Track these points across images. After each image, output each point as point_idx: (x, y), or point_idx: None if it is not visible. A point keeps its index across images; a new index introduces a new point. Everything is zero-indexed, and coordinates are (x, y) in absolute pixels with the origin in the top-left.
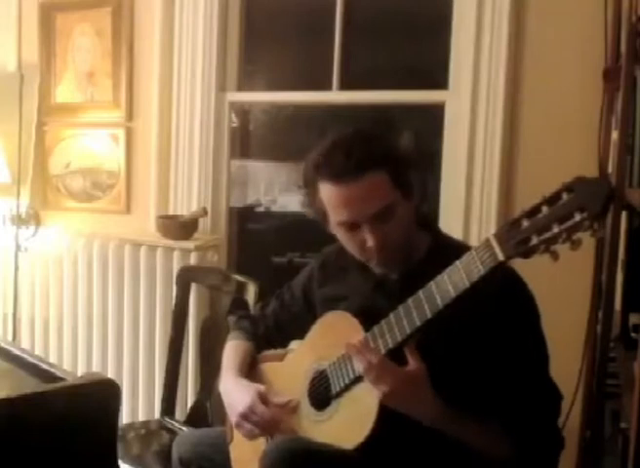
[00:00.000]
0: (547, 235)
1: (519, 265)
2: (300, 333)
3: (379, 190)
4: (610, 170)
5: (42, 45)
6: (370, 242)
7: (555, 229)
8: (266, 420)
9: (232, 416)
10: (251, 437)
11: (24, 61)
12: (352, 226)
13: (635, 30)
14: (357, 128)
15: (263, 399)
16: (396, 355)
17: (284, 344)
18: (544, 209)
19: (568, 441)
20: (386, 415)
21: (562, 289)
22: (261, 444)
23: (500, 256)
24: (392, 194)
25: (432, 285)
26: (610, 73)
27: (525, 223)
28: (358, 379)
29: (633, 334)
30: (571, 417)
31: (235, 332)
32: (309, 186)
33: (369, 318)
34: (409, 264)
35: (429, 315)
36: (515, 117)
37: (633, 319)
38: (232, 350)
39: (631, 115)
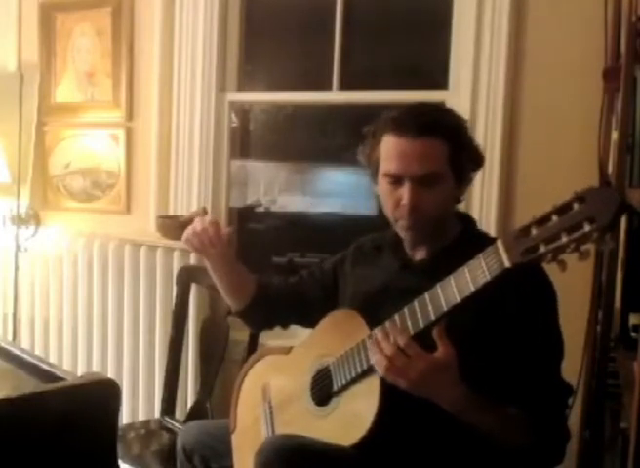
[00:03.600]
0: (555, 244)
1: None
2: (317, 303)
3: (433, 156)
4: (610, 170)
5: (42, 45)
6: (405, 199)
7: (564, 239)
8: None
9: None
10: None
11: (24, 61)
12: (396, 180)
13: (635, 30)
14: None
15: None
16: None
17: (296, 310)
18: (554, 217)
19: None
20: (385, 415)
21: (562, 288)
22: (262, 434)
23: (507, 263)
24: (444, 166)
25: (438, 287)
26: (610, 73)
27: (534, 231)
28: (360, 377)
29: (633, 334)
30: (571, 417)
31: None
32: (374, 136)
33: (387, 294)
34: (436, 247)
35: (433, 317)
36: (515, 117)
37: (633, 319)
38: None
39: (631, 115)
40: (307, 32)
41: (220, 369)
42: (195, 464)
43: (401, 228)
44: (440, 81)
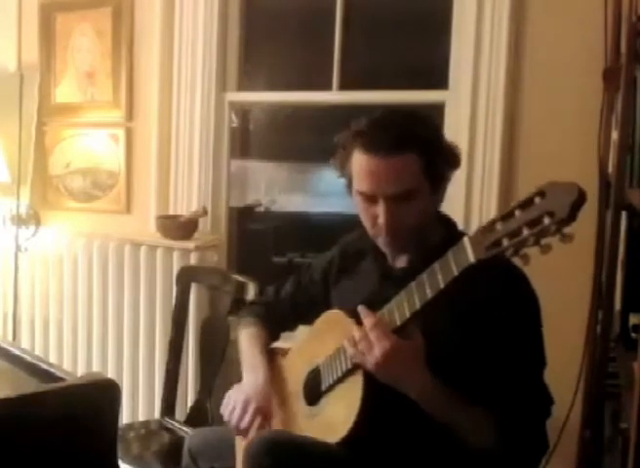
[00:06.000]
0: (517, 239)
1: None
2: (312, 313)
3: (406, 173)
4: (610, 170)
5: (42, 45)
6: (381, 219)
7: (525, 233)
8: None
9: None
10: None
11: (24, 61)
12: (370, 199)
13: (635, 30)
14: (411, 109)
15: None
16: None
17: (293, 322)
18: (517, 212)
19: (568, 441)
20: (369, 414)
21: (562, 289)
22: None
23: (472, 258)
24: (419, 181)
25: (413, 284)
26: (610, 73)
27: (498, 226)
28: (344, 376)
29: (633, 334)
30: (571, 417)
31: (250, 319)
32: (345, 149)
33: (370, 306)
34: (416, 255)
35: (408, 315)
36: (515, 117)
37: (633, 319)
38: (252, 341)
39: (631, 115)
40: (307, 32)
41: (219, 369)
42: (200, 466)
43: (382, 244)
44: (440, 81)
